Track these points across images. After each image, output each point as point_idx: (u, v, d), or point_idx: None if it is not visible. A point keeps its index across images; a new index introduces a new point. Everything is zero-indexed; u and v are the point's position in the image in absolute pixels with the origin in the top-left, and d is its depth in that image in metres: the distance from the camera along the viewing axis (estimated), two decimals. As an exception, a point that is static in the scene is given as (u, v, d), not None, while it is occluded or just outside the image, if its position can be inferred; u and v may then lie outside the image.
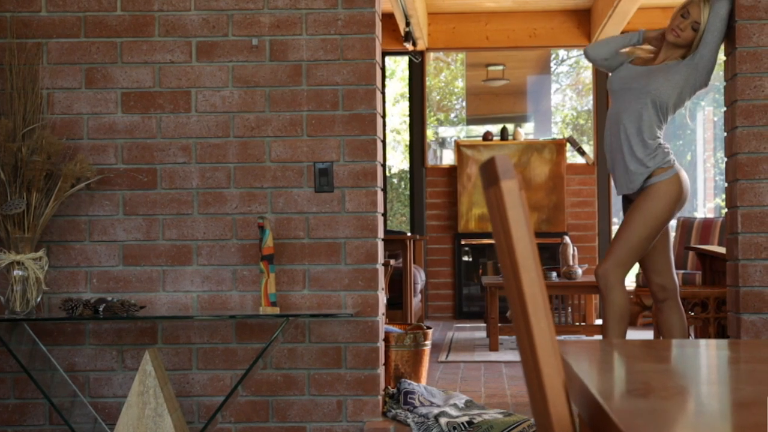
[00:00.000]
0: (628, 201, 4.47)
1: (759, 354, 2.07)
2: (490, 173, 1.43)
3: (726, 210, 4.31)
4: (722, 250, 5.35)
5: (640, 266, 4.56)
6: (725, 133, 4.28)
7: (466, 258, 9.75)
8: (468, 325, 8.87)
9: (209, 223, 4.28)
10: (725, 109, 4.27)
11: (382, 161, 4.41)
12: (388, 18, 8.77)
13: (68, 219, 4.28)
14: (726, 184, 4.28)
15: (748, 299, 4.03)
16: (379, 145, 4.35)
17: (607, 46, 4.51)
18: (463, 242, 9.62)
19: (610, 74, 4.54)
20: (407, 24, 8.27)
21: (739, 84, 4.07)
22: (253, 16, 4.29)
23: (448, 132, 12.39)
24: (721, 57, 4.33)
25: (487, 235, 9.52)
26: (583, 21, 9.42)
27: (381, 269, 4.38)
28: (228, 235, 4.28)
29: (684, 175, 4.32)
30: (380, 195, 4.35)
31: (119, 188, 4.29)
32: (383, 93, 9.98)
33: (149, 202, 4.29)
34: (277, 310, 4.07)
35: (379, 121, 4.36)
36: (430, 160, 10.58)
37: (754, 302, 4.03)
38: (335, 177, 4.26)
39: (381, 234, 4.37)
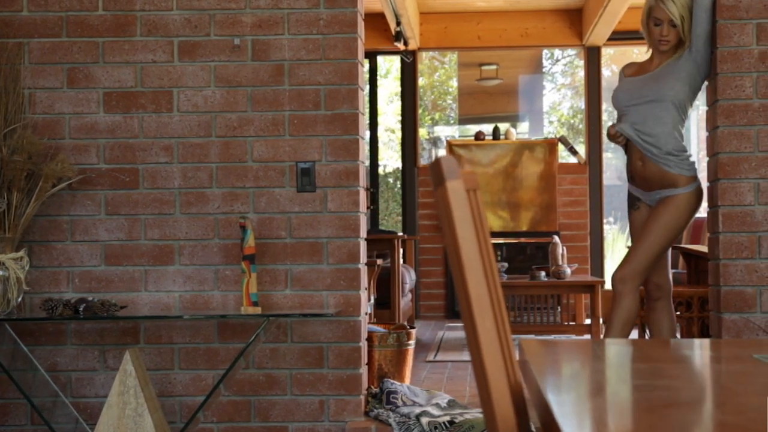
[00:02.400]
0: (635, 199, 4.41)
1: (720, 354, 2.07)
2: (436, 174, 1.44)
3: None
4: (706, 249, 5.34)
5: None
6: (707, 133, 4.28)
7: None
8: (459, 324, 8.87)
9: (191, 223, 4.28)
10: (707, 108, 4.27)
11: (365, 161, 4.42)
12: (381, 17, 8.77)
13: (50, 219, 4.28)
14: (708, 184, 4.28)
15: (729, 299, 4.03)
16: (362, 144, 4.35)
17: None
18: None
19: (613, 93, 4.48)
20: (398, 23, 8.27)
21: (720, 83, 4.07)
22: (235, 15, 4.29)
23: (444, 131, 12.39)
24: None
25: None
26: (575, 20, 9.42)
27: (363, 269, 4.38)
28: (210, 234, 4.28)
29: (701, 186, 4.31)
30: (362, 194, 4.35)
31: (101, 188, 4.29)
32: (375, 92, 9.98)
33: (131, 202, 4.29)
34: (258, 310, 4.07)
35: (362, 120, 4.36)
36: (426, 160, 10.58)
37: (735, 301, 4.03)
38: (317, 177, 4.26)
39: (363, 234, 4.37)
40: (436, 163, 1.44)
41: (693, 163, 4.28)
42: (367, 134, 10.03)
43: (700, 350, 2.14)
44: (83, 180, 4.26)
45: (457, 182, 1.41)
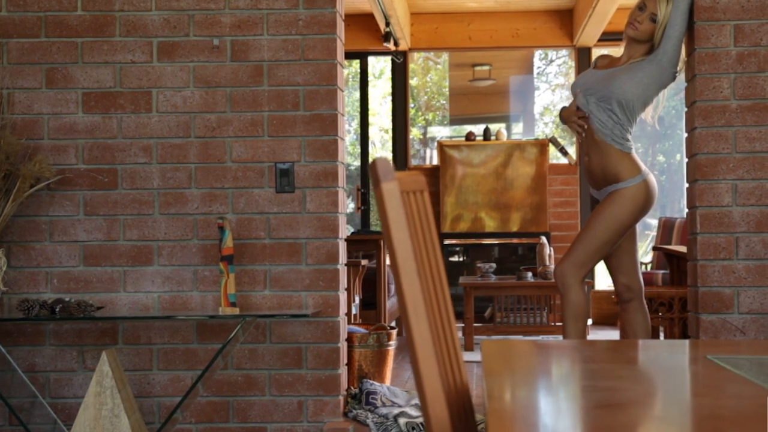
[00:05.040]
0: (596, 203, 4.47)
1: (675, 355, 2.07)
2: (373, 176, 1.44)
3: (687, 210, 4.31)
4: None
5: (606, 266, 4.55)
6: (686, 134, 4.28)
7: (456, 258, 9.75)
8: (449, 325, 8.86)
9: (170, 224, 4.28)
10: (686, 109, 4.27)
11: (344, 161, 4.41)
12: (372, 18, 8.77)
13: (28, 219, 4.28)
14: (687, 185, 4.28)
15: (707, 299, 4.03)
16: (341, 145, 4.35)
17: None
18: (446, 242, 9.62)
19: (574, 79, 4.52)
20: (387, 24, 8.27)
21: (698, 85, 4.07)
22: (214, 16, 4.29)
23: (442, 132, 12.38)
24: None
25: (472, 235, 9.52)
26: (566, 21, 9.42)
27: (343, 269, 4.38)
28: (189, 235, 4.28)
29: (652, 181, 4.25)
30: (342, 195, 4.35)
31: (80, 188, 4.29)
32: (365, 93, 9.98)
33: (110, 203, 4.29)
34: (236, 311, 4.07)
35: (341, 121, 4.36)
36: (419, 160, 10.59)
37: (712, 302, 4.03)
38: (296, 177, 4.26)
39: (342, 234, 4.37)
40: (372, 165, 1.44)
41: (635, 160, 4.23)
42: (359, 134, 10.03)
43: (656, 351, 2.14)
44: (62, 180, 4.26)
45: (392, 184, 1.41)
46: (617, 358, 2.04)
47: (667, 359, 2.00)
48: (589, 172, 4.37)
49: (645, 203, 4.22)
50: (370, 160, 10.68)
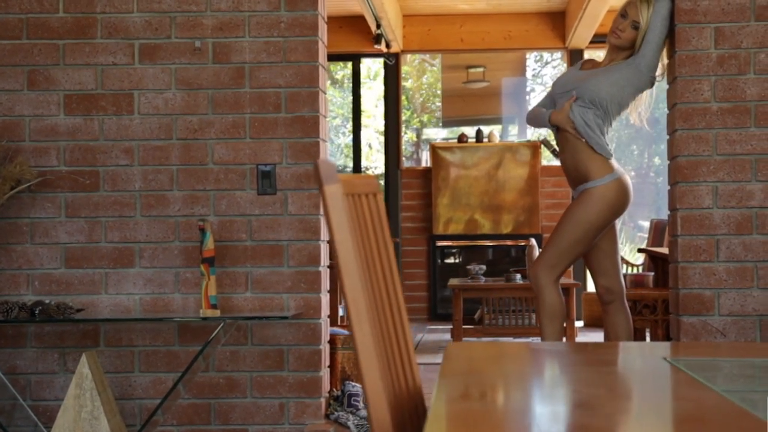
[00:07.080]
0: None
1: (635, 357, 2.07)
2: (316, 179, 1.44)
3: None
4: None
5: (587, 268, 4.53)
6: (667, 136, 4.28)
7: (451, 260, 9.74)
8: (440, 327, 8.87)
9: (152, 226, 4.28)
10: (668, 112, 4.27)
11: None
12: (365, 20, 8.77)
13: (9, 221, 4.27)
14: (669, 187, 4.28)
15: (687, 301, 4.03)
16: (323, 147, 4.35)
17: (535, 122, 4.51)
18: (439, 244, 9.62)
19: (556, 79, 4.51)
20: (378, 26, 8.27)
21: (678, 87, 4.06)
22: (196, 18, 4.29)
23: (437, 134, 12.37)
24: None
25: (465, 237, 9.52)
26: (558, 23, 9.42)
27: (325, 271, 4.38)
28: (170, 237, 4.28)
29: (625, 182, 4.20)
30: (323, 197, 4.34)
31: (61, 190, 4.29)
32: (358, 95, 9.98)
33: (91, 205, 4.29)
34: (217, 313, 4.07)
35: (323, 123, 4.36)
36: (415, 162, 10.59)
37: (693, 304, 4.03)
38: (278, 179, 4.26)
39: (324, 236, 4.37)
40: (315, 168, 1.44)
41: (607, 150, 4.18)
42: (351, 137, 10.03)
43: (622, 354, 2.14)
44: (43, 182, 4.26)
45: (335, 186, 1.41)
46: (579, 360, 2.04)
47: (627, 362, 1.99)
48: (564, 171, 4.36)
49: (616, 203, 4.18)
50: (363, 162, 10.69)
